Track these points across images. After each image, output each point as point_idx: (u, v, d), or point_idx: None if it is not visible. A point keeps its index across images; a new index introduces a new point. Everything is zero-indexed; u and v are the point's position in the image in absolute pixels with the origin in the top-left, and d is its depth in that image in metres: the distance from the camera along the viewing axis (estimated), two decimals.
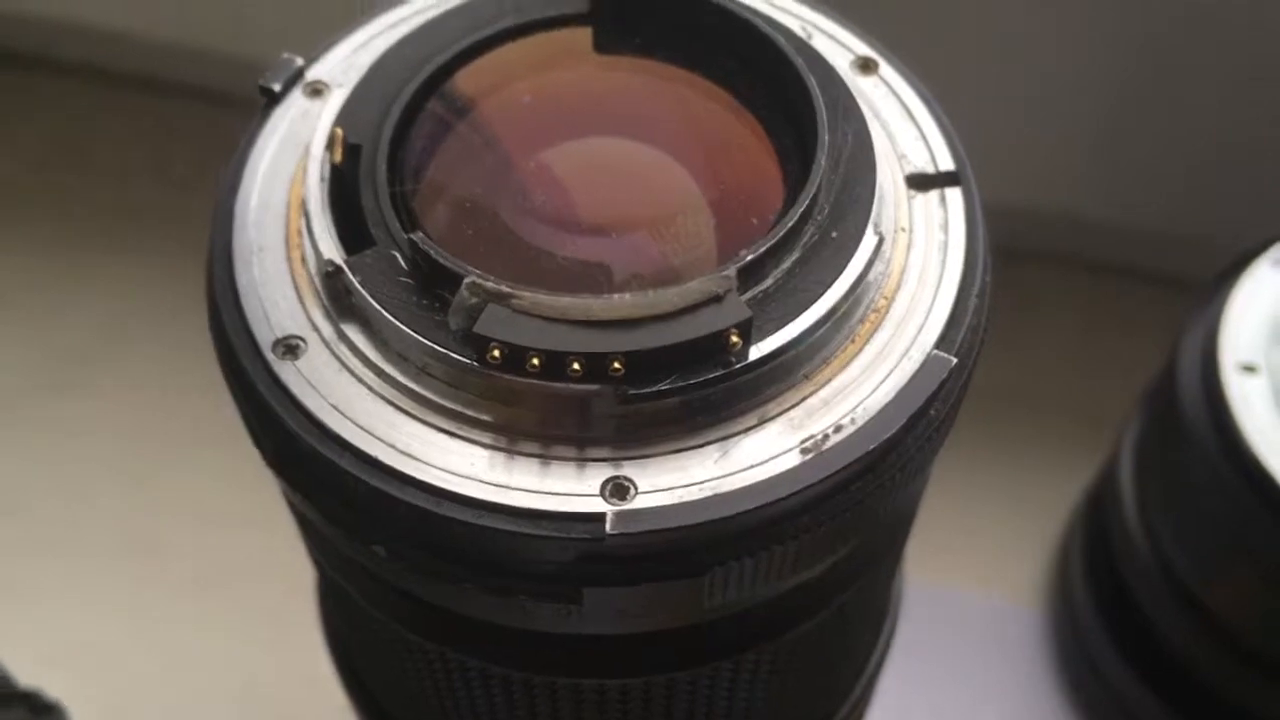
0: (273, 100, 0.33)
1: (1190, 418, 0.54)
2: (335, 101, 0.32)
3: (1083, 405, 0.79)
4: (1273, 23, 0.68)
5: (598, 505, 0.26)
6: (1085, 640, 0.66)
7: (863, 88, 0.33)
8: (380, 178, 0.29)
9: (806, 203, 0.28)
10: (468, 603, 0.29)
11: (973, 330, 0.30)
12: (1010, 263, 0.84)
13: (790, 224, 0.28)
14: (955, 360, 0.29)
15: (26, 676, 0.56)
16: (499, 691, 0.33)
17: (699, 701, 0.33)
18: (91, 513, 0.77)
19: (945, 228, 0.31)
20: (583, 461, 0.27)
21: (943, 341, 0.29)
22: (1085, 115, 0.76)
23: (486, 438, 0.27)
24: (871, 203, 0.29)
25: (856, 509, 0.28)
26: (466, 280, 0.27)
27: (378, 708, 0.41)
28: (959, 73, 0.73)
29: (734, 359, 0.27)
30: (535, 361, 0.26)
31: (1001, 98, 0.75)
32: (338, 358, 0.28)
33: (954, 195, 0.32)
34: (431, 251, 0.27)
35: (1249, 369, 0.53)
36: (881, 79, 0.34)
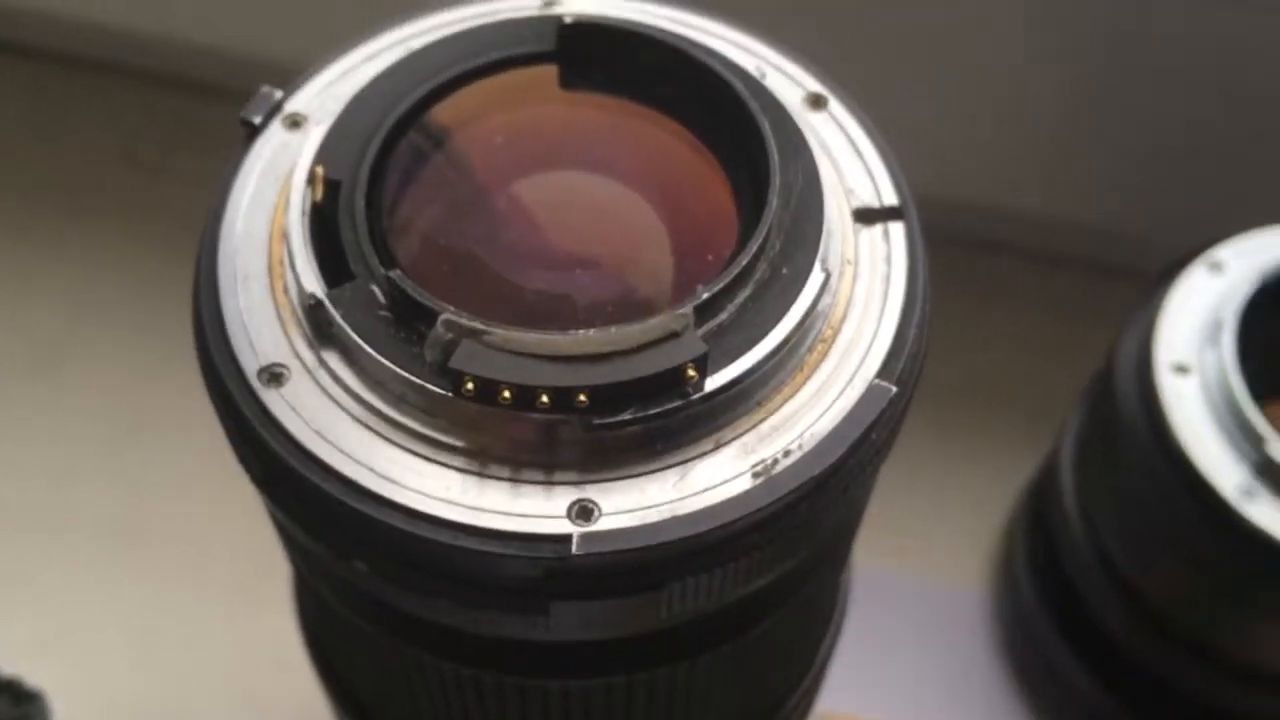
0: (253, 132, 0.35)
1: (1126, 415, 0.57)
2: (314, 134, 0.33)
3: (1031, 396, 0.82)
4: (1213, 36, 0.70)
5: (564, 526, 0.28)
6: (1028, 624, 0.69)
7: (813, 123, 0.35)
8: (359, 214, 0.31)
9: (759, 243, 0.30)
10: (441, 613, 0.31)
11: (912, 359, 0.32)
12: (962, 254, 0.87)
13: (744, 264, 0.30)
14: (895, 389, 0.31)
15: (5, 664, 0.58)
16: (469, 689, 0.35)
17: (658, 697, 0.35)
18: (68, 498, 0.78)
19: (888, 260, 0.33)
20: (550, 485, 0.29)
21: (884, 371, 0.31)
22: (1040, 115, 0.79)
23: (460, 462, 0.29)
24: (819, 240, 0.32)
25: (803, 527, 0.30)
26: (441, 317, 0.29)
27: (352, 696, 0.43)
28: (919, 79, 0.76)
29: (691, 390, 0.29)
30: (506, 394, 0.28)
31: (958, 98, 0.77)
32: (320, 385, 0.30)
33: (897, 229, 0.34)
34: (408, 289, 0.29)
35: (1181, 369, 0.56)
36: (831, 115, 0.36)
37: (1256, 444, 0.53)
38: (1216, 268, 0.59)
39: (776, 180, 0.31)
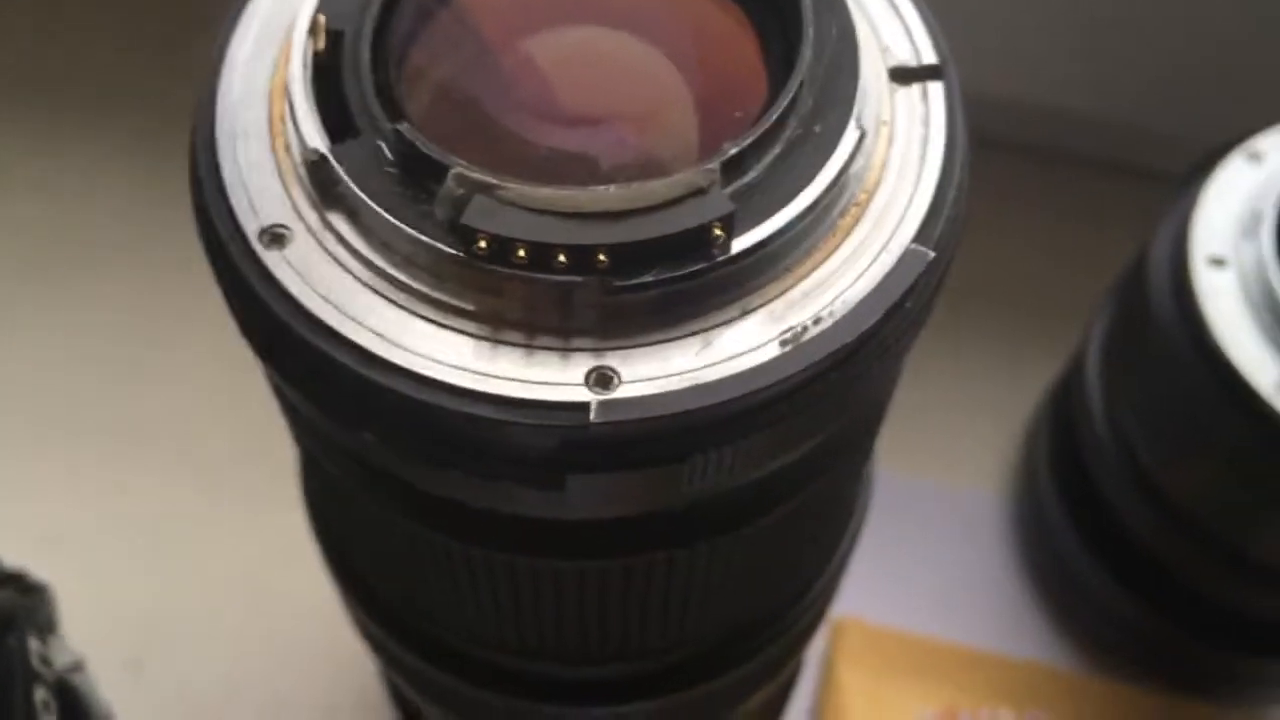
0: None
1: (1159, 309, 0.55)
2: None
3: (1054, 296, 0.80)
4: None
5: (582, 394, 0.27)
6: (1048, 527, 0.68)
7: None
8: (364, 65, 0.29)
9: (790, 97, 0.29)
10: (452, 487, 0.29)
11: (950, 224, 0.30)
12: (986, 153, 0.85)
13: (774, 118, 0.28)
14: (933, 254, 0.29)
15: (13, 560, 0.57)
16: (480, 570, 0.34)
17: (676, 581, 0.34)
18: (72, 395, 0.77)
19: (926, 122, 0.31)
20: (567, 351, 0.27)
21: (921, 235, 0.29)
22: (1066, 6, 0.76)
23: (472, 326, 0.28)
24: (854, 97, 0.30)
25: (832, 399, 0.28)
26: (453, 171, 0.27)
27: (363, 584, 0.42)
28: None
29: (717, 252, 0.27)
30: (521, 253, 0.26)
31: None
32: (324, 247, 0.29)
33: (936, 89, 0.32)
34: (417, 142, 0.27)
35: (1218, 262, 0.54)
36: None
37: None
38: (1255, 158, 0.57)
39: (810, 32, 0.29)
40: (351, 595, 0.42)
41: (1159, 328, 0.55)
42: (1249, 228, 0.54)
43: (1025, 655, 0.67)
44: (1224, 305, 0.53)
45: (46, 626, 0.51)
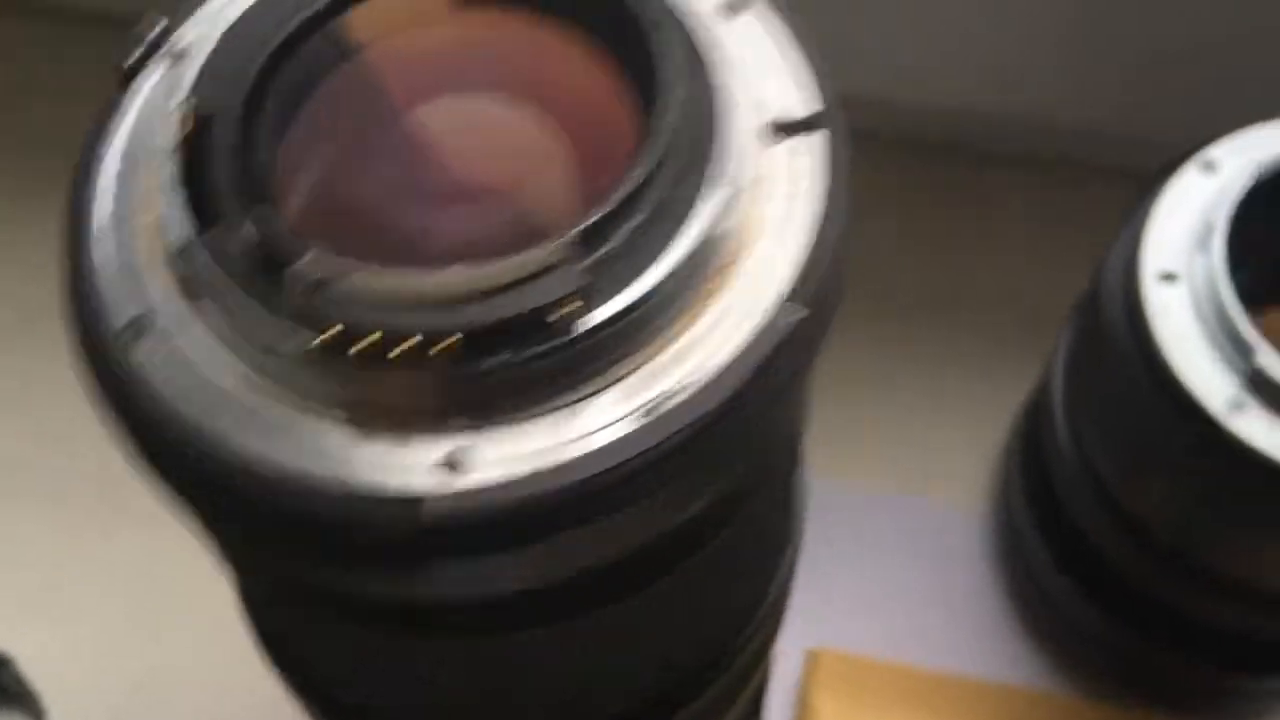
0: (133, 70, 0.33)
1: (1112, 327, 0.54)
2: (194, 68, 0.31)
3: (1035, 310, 0.79)
4: None
5: (434, 480, 0.26)
6: (1022, 546, 0.67)
7: (726, 29, 0.33)
8: (231, 150, 0.29)
9: (647, 163, 0.28)
10: (321, 575, 0.29)
11: (826, 281, 0.30)
12: (961, 163, 0.83)
13: (629, 189, 0.28)
14: (805, 311, 0.29)
15: None
16: (380, 648, 0.34)
17: (573, 651, 0.34)
18: (50, 457, 0.77)
19: (804, 176, 0.31)
20: (420, 435, 0.27)
21: (793, 294, 0.29)
22: (1044, 16, 0.75)
23: (330, 415, 0.27)
24: (723, 155, 0.29)
25: (703, 467, 0.28)
26: (298, 262, 0.27)
27: (286, 655, 0.42)
28: None
29: (572, 329, 0.27)
30: (368, 342, 0.26)
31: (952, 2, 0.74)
32: (188, 337, 0.28)
33: (814, 142, 0.31)
34: (268, 231, 0.27)
35: (1169, 278, 0.53)
36: (748, 19, 0.33)
37: (1245, 354, 0.50)
38: (1209, 167, 0.56)
39: (669, 95, 0.29)
40: (278, 666, 0.42)
41: (1112, 346, 0.54)
42: (1201, 239, 0.53)
43: (1002, 677, 0.66)
44: (1175, 322, 0.52)
45: (9, 701, 0.51)
